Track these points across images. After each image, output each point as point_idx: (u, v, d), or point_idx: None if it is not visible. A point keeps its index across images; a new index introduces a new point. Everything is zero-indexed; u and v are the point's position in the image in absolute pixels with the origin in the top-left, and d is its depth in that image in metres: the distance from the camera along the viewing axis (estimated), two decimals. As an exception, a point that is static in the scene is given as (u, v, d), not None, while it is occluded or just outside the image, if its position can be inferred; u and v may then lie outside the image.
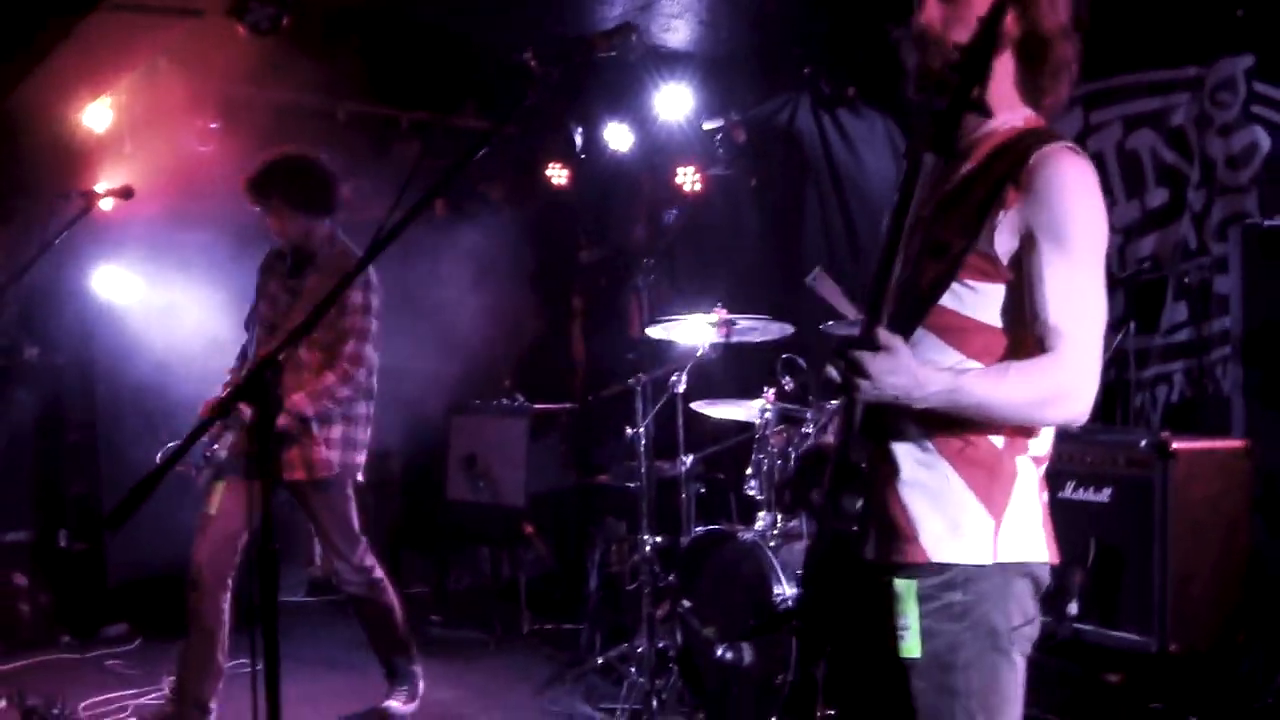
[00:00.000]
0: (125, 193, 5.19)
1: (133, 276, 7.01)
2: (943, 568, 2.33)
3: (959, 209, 2.29)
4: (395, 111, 7.72)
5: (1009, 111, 2.38)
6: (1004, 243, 2.28)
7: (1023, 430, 2.36)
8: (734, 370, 6.18)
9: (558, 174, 8.23)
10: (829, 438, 2.68)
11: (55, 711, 5.05)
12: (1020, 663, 2.38)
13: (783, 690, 4.81)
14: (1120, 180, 5.76)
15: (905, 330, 2.18)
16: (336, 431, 5.12)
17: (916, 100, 2.42)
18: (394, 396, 7.68)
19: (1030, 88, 2.39)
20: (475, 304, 7.68)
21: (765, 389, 5.48)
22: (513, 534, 7.10)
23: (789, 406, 5.40)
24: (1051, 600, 3.94)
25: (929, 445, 2.35)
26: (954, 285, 2.27)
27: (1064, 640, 4.11)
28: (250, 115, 6.88)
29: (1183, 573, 3.89)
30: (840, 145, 7.15)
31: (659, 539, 5.64)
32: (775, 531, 5.13)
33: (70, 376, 7.12)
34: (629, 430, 5.70)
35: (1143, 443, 4.02)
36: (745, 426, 5.81)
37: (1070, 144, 2.32)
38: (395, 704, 5.34)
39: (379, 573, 5.29)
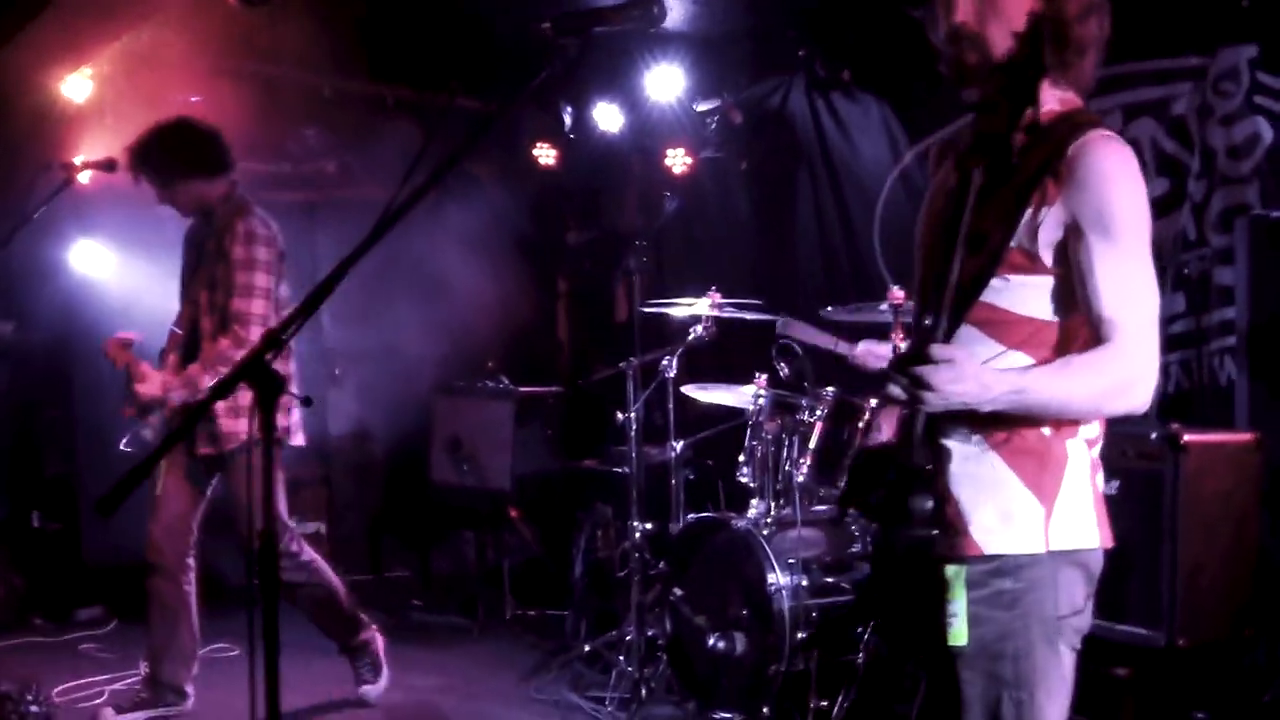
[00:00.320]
0: (108, 165, 5.07)
1: (112, 252, 6.88)
2: (993, 556, 2.32)
3: (997, 199, 2.22)
4: (383, 87, 7.59)
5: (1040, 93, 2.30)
6: (1046, 237, 2.28)
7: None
8: (723, 355, 6.09)
9: (546, 154, 8.12)
10: (880, 436, 2.66)
11: (29, 697, 4.93)
12: (1068, 654, 2.37)
13: (776, 680, 4.76)
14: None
15: (950, 328, 2.17)
16: (247, 398, 4.88)
17: (966, 99, 2.40)
18: (376, 377, 7.62)
19: (1059, 67, 2.35)
20: (459, 284, 7.57)
21: (757, 374, 5.41)
22: (498, 518, 7.02)
23: (782, 393, 5.33)
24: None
25: (976, 437, 2.35)
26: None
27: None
28: (234, 89, 6.75)
29: (1192, 567, 3.83)
30: (834, 129, 7.06)
31: (649, 526, 5.57)
32: (769, 519, 5.07)
33: (47, 354, 6.99)
34: (619, 415, 5.62)
35: (1153, 435, 3.96)
36: (735, 412, 5.74)
37: (1106, 130, 2.29)
38: (367, 687, 5.23)
39: (308, 554, 5.11)
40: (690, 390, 5.67)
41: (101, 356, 5.10)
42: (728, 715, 4.94)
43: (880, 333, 4.93)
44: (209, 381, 4.75)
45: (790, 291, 6.96)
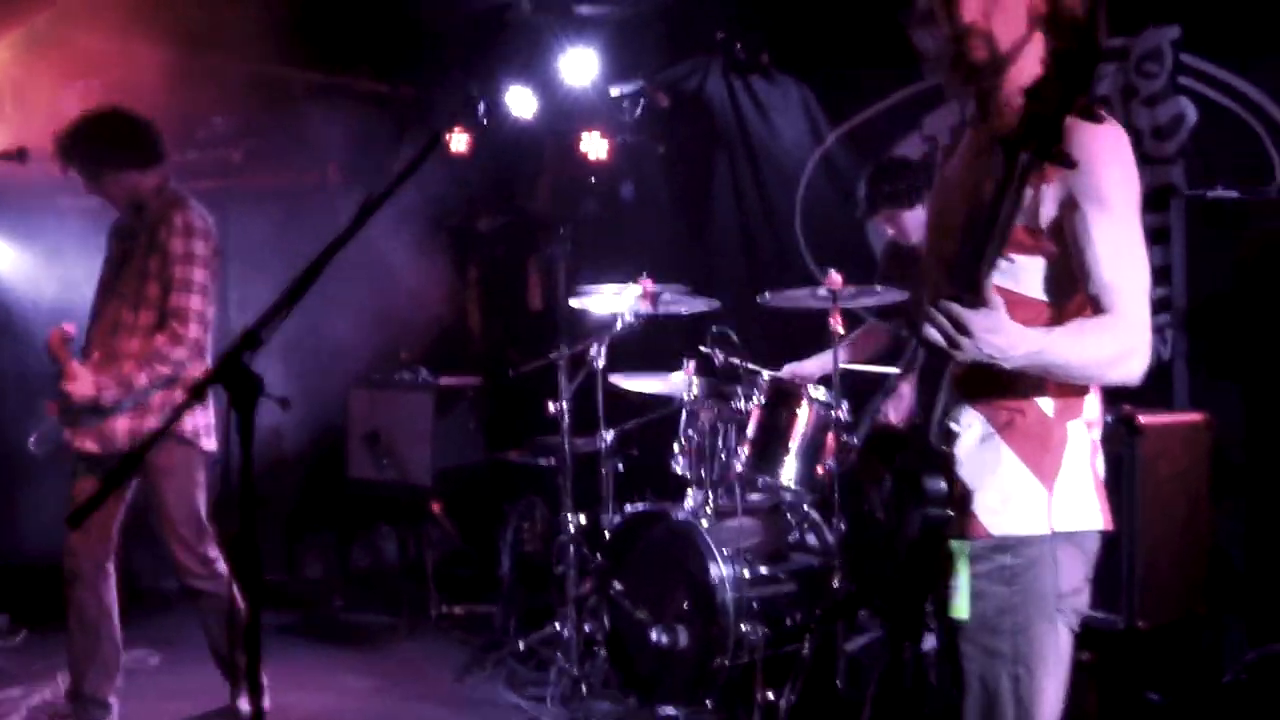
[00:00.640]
0: (19, 154, 4.83)
1: (10, 246, 6.60)
2: (998, 536, 2.40)
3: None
4: (293, 71, 7.37)
5: None
6: (1046, 213, 2.36)
7: (1073, 395, 2.43)
8: (646, 341, 6.00)
9: (457, 139, 7.94)
10: (886, 418, 2.73)
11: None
12: (1066, 633, 2.43)
13: (720, 673, 4.70)
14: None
15: (983, 285, 2.19)
16: (157, 397, 4.69)
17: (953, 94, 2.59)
18: (287, 371, 7.40)
19: None
20: (370, 274, 7.39)
21: (685, 361, 5.34)
22: (419, 513, 6.88)
23: (716, 380, 5.26)
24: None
25: (980, 419, 2.43)
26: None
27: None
28: (137, 75, 6.48)
29: (1150, 549, 3.85)
30: (753, 112, 7.01)
31: (582, 518, 5.47)
32: (708, 510, 5.01)
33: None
34: (551, 405, 5.50)
35: (1109, 418, 3.96)
36: (661, 401, 5.66)
37: (1100, 110, 2.35)
38: (242, 703, 5.02)
39: (223, 565, 4.86)
40: (619, 379, 5.57)
41: (4, 355, 4.87)
42: (671, 710, 4.88)
43: (818, 318, 4.89)
44: (144, 381, 4.57)
45: (709, 276, 6.89)
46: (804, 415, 4.93)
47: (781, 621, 4.89)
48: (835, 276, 4.75)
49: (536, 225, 8.11)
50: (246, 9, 6.35)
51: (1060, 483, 2.41)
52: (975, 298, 2.15)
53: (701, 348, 5.25)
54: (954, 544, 2.38)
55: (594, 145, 7.54)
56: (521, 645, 5.78)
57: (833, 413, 4.84)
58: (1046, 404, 2.42)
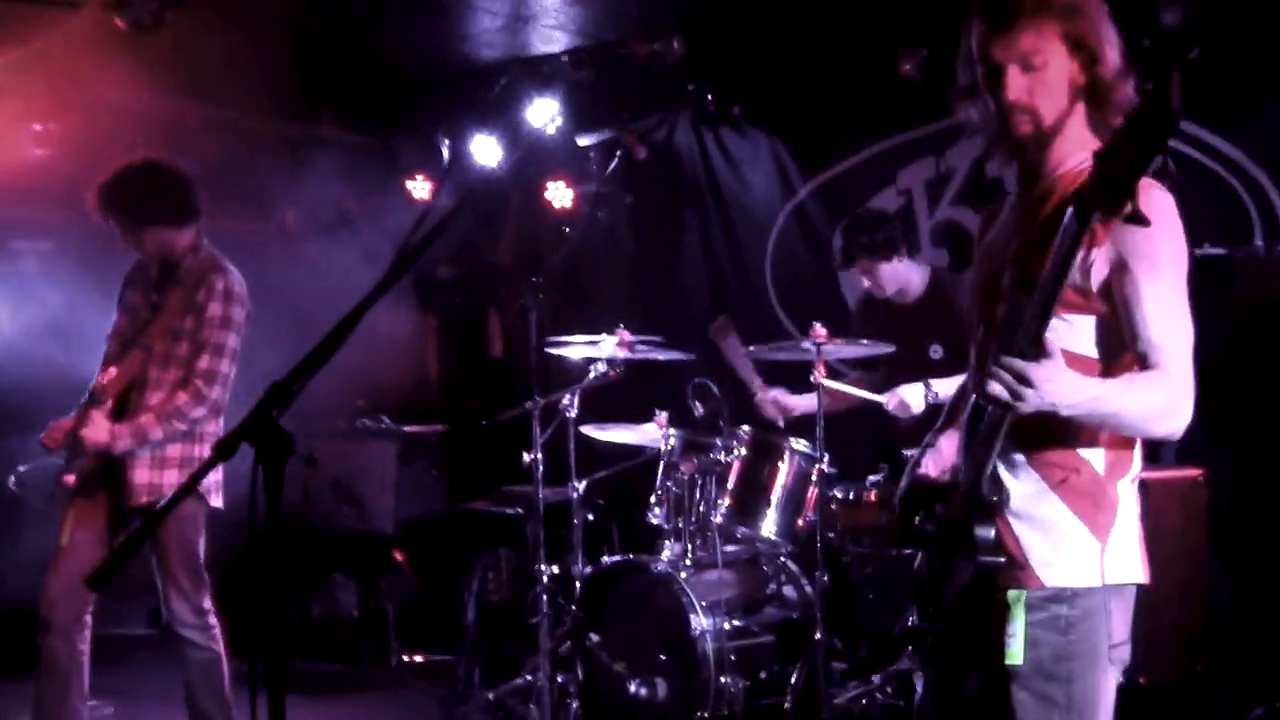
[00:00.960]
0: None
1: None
2: (1053, 589, 2.46)
3: (1050, 244, 2.33)
4: (250, 118, 7.32)
5: (1084, 150, 2.44)
6: (1097, 274, 2.43)
7: (1123, 449, 2.51)
8: (617, 392, 5.98)
9: (420, 187, 7.92)
10: (927, 473, 2.75)
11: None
12: (1112, 683, 2.51)
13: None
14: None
15: (1039, 337, 2.26)
16: (175, 450, 4.68)
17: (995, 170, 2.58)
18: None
19: (1100, 126, 2.52)
20: (328, 321, 7.31)
21: (657, 412, 5.33)
22: (381, 561, 6.79)
23: (692, 433, 5.25)
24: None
25: (1035, 476, 2.49)
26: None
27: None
28: (92, 118, 6.42)
29: (1152, 606, 3.85)
30: (723, 164, 7.06)
31: (555, 568, 5.42)
32: (687, 561, 4.99)
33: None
34: (525, 455, 5.45)
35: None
36: (633, 451, 5.65)
37: (1147, 178, 2.36)
38: None
39: (214, 619, 4.81)
40: (590, 430, 5.55)
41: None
42: (649, 762, 4.84)
43: (802, 369, 4.91)
44: (159, 435, 4.55)
45: (676, 326, 6.88)
46: (785, 467, 4.96)
47: (758, 674, 4.88)
48: (820, 329, 4.78)
49: (498, 274, 8.08)
50: (205, 56, 6.30)
51: (1113, 537, 2.49)
52: (1036, 349, 2.21)
53: (688, 400, 5.24)
54: (1011, 594, 2.44)
55: (559, 194, 7.55)
56: (491, 696, 5.70)
57: (815, 465, 4.86)
58: (1098, 461, 2.49)
